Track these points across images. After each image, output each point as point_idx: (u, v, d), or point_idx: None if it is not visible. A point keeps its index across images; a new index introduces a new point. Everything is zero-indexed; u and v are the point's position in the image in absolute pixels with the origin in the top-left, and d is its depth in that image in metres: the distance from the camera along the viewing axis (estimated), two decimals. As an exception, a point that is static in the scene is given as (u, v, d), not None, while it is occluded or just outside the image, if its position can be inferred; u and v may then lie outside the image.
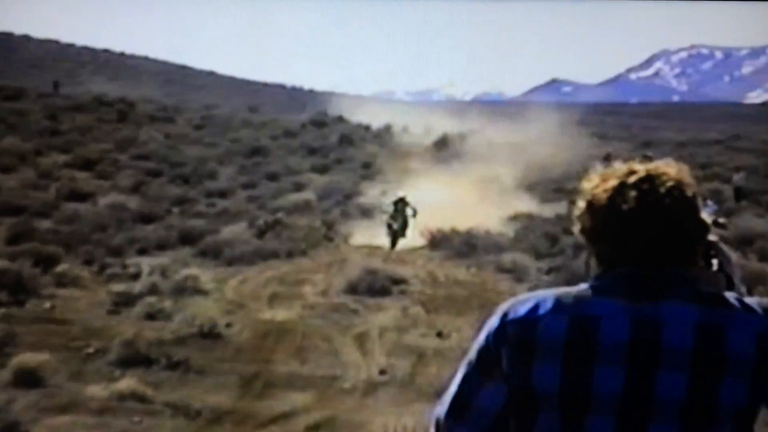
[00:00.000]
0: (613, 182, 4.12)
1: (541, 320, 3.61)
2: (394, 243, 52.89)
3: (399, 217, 53.48)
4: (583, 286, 3.83)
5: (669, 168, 4.08)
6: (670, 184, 4.08)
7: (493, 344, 3.55)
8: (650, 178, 4.09)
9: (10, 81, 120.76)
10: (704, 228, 4.25)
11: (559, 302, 3.79)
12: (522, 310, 3.77)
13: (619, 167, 4.15)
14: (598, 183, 4.16)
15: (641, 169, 4.13)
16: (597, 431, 2.77)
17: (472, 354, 3.79)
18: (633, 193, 4.07)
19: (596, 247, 4.01)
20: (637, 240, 4.00)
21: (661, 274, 3.81)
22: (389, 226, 53.89)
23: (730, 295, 4.08)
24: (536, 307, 3.73)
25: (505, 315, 3.70)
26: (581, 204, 4.10)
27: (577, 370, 3.42)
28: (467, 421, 3.65)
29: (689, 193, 4.15)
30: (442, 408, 3.79)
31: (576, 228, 4.12)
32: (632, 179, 4.08)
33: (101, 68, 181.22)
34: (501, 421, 3.58)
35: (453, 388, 3.78)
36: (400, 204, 53.82)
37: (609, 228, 4.03)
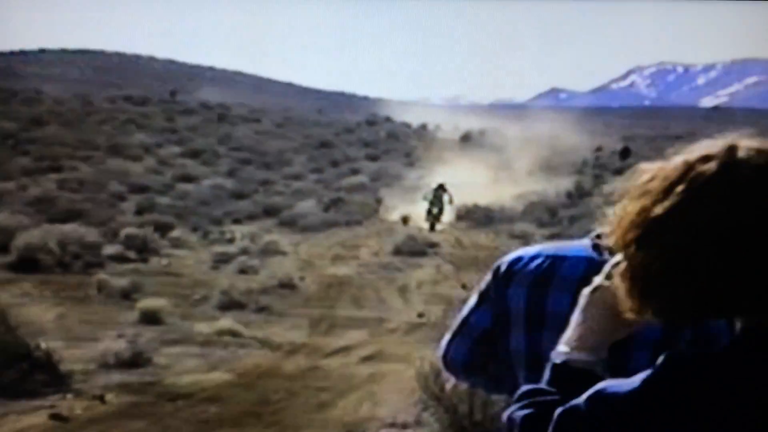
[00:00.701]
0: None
1: (522, 259, 3.61)
2: (432, 227, 46.97)
3: (437, 203, 48.37)
4: (573, 241, 3.92)
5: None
6: None
7: (489, 280, 3.63)
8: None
9: (138, 91, 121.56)
10: None
11: (541, 249, 3.88)
12: (513, 255, 3.76)
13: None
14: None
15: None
16: (550, 343, 2.77)
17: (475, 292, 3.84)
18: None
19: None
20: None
21: None
22: (428, 212, 48.14)
23: None
24: (524, 253, 3.84)
25: (502, 260, 3.70)
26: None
27: (537, 293, 3.47)
28: (463, 333, 3.81)
29: None
30: (448, 334, 3.91)
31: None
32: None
33: (207, 81, 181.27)
34: (487, 335, 3.67)
35: (459, 315, 3.89)
36: (440, 191, 48.71)
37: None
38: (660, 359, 2.20)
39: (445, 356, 3.95)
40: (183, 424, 13.09)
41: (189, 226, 40.95)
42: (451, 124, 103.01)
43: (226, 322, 21.20)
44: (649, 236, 2.16)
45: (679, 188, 2.16)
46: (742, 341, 2.16)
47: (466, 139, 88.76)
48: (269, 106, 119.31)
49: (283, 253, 34.02)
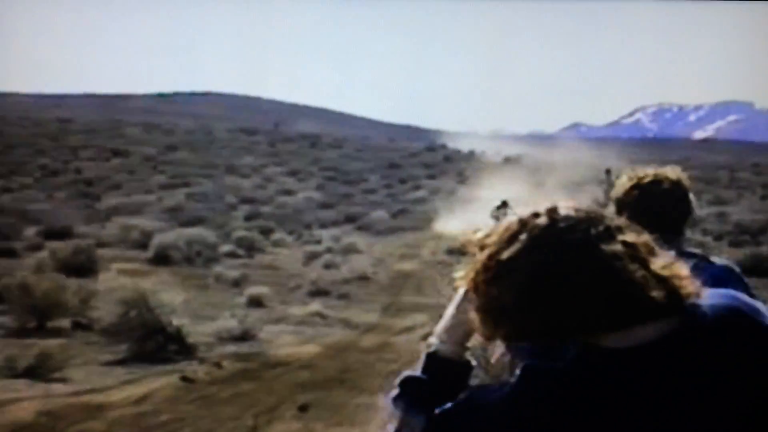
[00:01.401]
0: (633, 181, 4.04)
1: None
2: None
3: (501, 218, 42.66)
4: None
5: (670, 172, 4.09)
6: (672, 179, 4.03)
7: None
8: (657, 177, 4.03)
9: (249, 123, 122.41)
10: (690, 209, 4.08)
11: None
12: None
13: (640, 172, 4.12)
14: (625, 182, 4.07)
15: (651, 173, 4.06)
16: None
17: None
18: (643, 186, 4.02)
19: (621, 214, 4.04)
20: (647, 214, 3.89)
21: (662, 237, 3.86)
22: None
23: (698, 252, 3.98)
24: None
25: None
26: (613, 194, 4.11)
27: None
28: None
29: (684, 184, 4.05)
30: None
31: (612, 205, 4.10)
32: (645, 179, 4.00)
33: (303, 115, 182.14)
34: None
35: None
36: (503, 208, 49.06)
37: (628, 204, 3.98)
38: (518, 371, 2.22)
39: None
40: (282, 386, 13.14)
41: (286, 229, 41.10)
42: (494, 150, 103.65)
43: (315, 306, 21.26)
44: (499, 275, 2.17)
45: (522, 236, 2.19)
46: (580, 358, 2.17)
47: (506, 162, 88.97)
48: (350, 136, 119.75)
49: (360, 252, 34.04)
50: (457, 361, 2.40)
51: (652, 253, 2.16)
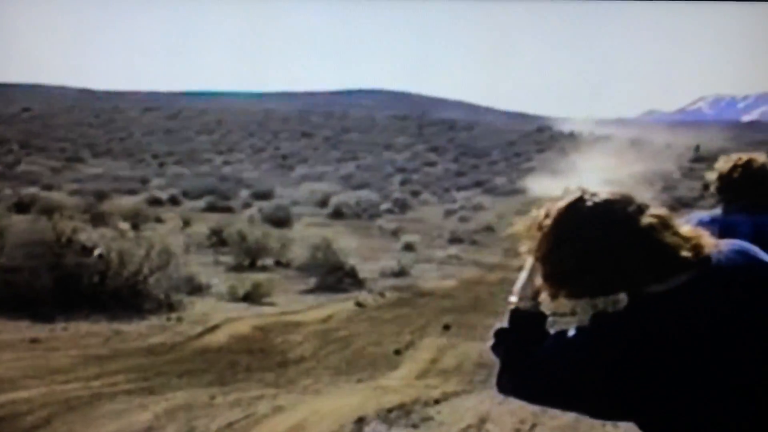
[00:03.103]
0: (732, 163, 4.00)
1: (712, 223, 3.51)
2: None
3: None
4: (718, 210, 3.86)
5: (758, 156, 4.04)
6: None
7: None
8: (751, 159, 3.99)
9: (402, 112, 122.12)
10: None
11: (711, 216, 3.86)
12: (694, 219, 3.59)
13: (734, 156, 4.05)
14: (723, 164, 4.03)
15: (745, 157, 4.02)
16: None
17: None
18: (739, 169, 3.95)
19: (720, 196, 3.99)
20: (747, 188, 3.85)
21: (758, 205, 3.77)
22: None
23: None
24: (701, 219, 3.74)
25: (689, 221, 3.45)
26: (714, 174, 4.06)
27: None
28: None
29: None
30: None
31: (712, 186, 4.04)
32: (741, 161, 3.98)
33: (444, 105, 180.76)
34: None
35: None
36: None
37: (733, 181, 3.93)
38: (590, 315, 2.24)
39: None
40: (429, 311, 13.17)
41: (430, 192, 41.09)
42: (587, 131, 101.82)
43: (453, 250, 21.24)
44: (559, 247, 2.18)
45: (573, 216, 2.21)
46: (632, 302, 2.16)
47: (597, 140, 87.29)
48: (479, 121, 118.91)
49: (486, 209, 33.88)
50: (534, 313, 2.41)
51: (673, 221, 2.19)
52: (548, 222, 2.23)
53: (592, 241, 2.14)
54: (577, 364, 2.22)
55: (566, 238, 2.18)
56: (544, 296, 2.38)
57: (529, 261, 2.41)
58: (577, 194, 2.23)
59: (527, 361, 2.33)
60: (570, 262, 2.17)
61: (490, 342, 2.43)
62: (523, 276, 2.48)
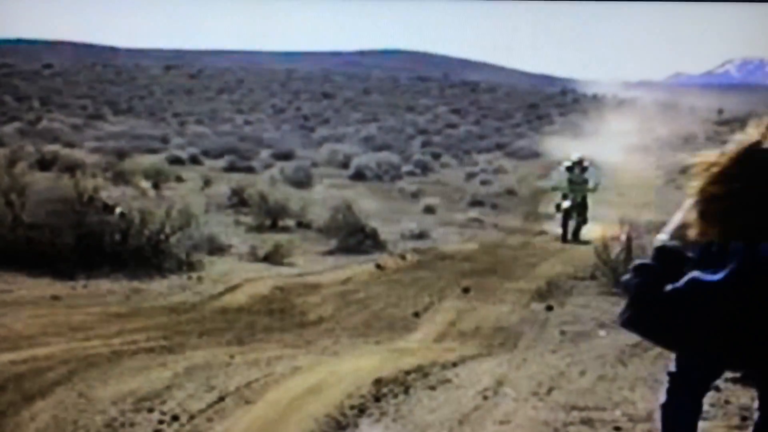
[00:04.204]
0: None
1: None
2: (566, 233, 18.70)
3: (576, 191, 19.25)
4: None
5: None
6: None
7: None
8: None
9: (424, 73, 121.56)
10: None
11: None
12: None
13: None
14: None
15: None
16: None
17: None
18: None
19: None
20: None
21: None
22: (558, 207, 19.37)
23: None
24: None
25: None
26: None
27: None
28: None
29: None
30: None
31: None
32: None
33: (466, 66, 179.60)
34: None
35: None
36: (577, 170, 19.44)
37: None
38: (735, 261, 2.23)
39: None
40: (449, 274, 13.18)
41: (451, 154, 40.94)
42: (611, 94, 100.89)
43: (473, 213, 21.22)
44: (720, 187, 2.18)
45: (738, 161, 2.22)
46: None
47: (621, 104, 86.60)
48: (502, 83, 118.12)
49: (507, 172, 33.78)
50: (679, 251, 2.44)
51: None
52: (723, 160, 2.25)
53: (760, 184, 2.15)
54: (714, 304, 2.24)
55: (736, 177, 2.20)
56: (692, 233, 2.41)
57: (687, 202, 2.44)
58: (755, 138, 2.25)
59: (662, 296, 2.36)
60: (732, 200, 2.19)
61: (627, 276, 2.48)
62: (677, 216, 2.52)
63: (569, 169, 19.33)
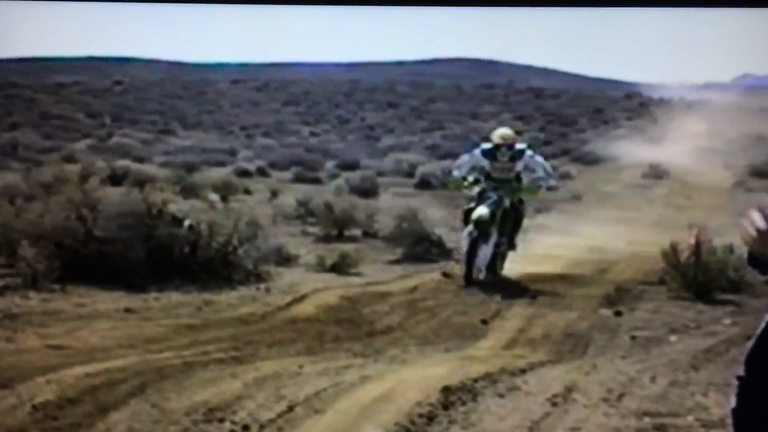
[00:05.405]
0: None
1: None
2: (472, 267, 11.56)
3: (503, 191, 11.63)
4: None
5: None
6: None
7: None
8: None
9: (488, 81, 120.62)
10: None
11: None
12: None
13: None
14: None
15: None
16: None
17: None
18: None
19: None
20: None
21: None
22: (466, 216, 12.00)
23: None
24: None
25: None
26: None
27: None
28: None
29: None
30: None
31: None
32: None
33: (531, 73, 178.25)
34: None
35: None
36: (502, 156, 11.69)
37: None
38: None
39: None
40: (517, 281, 13.08)
41: (518, 161, 40.79)
42: (679, 97, 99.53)
43: (540, 219, 20.96)
44: None
45: None
46: None
47: (689, 106, 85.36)
48: (567, 88, 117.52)
49: (573, 178, 33.45)
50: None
51: None
52: None
53: None
54: None
55: None
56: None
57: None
58: None
59: None
60: None
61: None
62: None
63: (489, 153, 11.98)
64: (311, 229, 17.18)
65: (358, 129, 64.89)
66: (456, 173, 12.46)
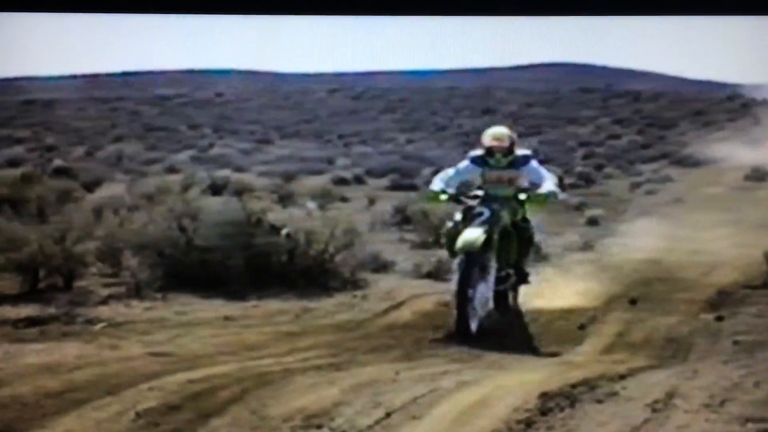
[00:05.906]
0: None
1: None
2: (465, 304, 8.55)
3: (501, 205, 9.10)
4: None
5: None
6: None
7: None
8: None
9: (586, 84, 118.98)
10: None
11: None
12: None
13: None
14: None
15: None
16: None
17: None
18: None
19: None
20: None
21: None
22: (449, 240, 9.29)
23: None
24: None
25: None
26: None
27: None
28: None
29: None
30: None
31: None
32: None
33: (630, 76, 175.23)
34: None
35: None
36: (497, 162, 9.26)
37: None
38: None
39: None
40: (616, 284, 12.75)
41: (615, 165, 40.04)
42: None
43: (639, 224, 20.68)
44: None
45: None
46: None
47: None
48: (666, 90, 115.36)
49: (674, 181, 32.75)
50: None
51: None
52: None
53: None
54: None
55: None
56: None
57: None
58: None
59: None
60: None
61: None
62: None
63: (480, 160, 9.61)
64: (408, 236, 17.20)
65: (454, 136, 64.91)
66: (435, 186, 9.41)
